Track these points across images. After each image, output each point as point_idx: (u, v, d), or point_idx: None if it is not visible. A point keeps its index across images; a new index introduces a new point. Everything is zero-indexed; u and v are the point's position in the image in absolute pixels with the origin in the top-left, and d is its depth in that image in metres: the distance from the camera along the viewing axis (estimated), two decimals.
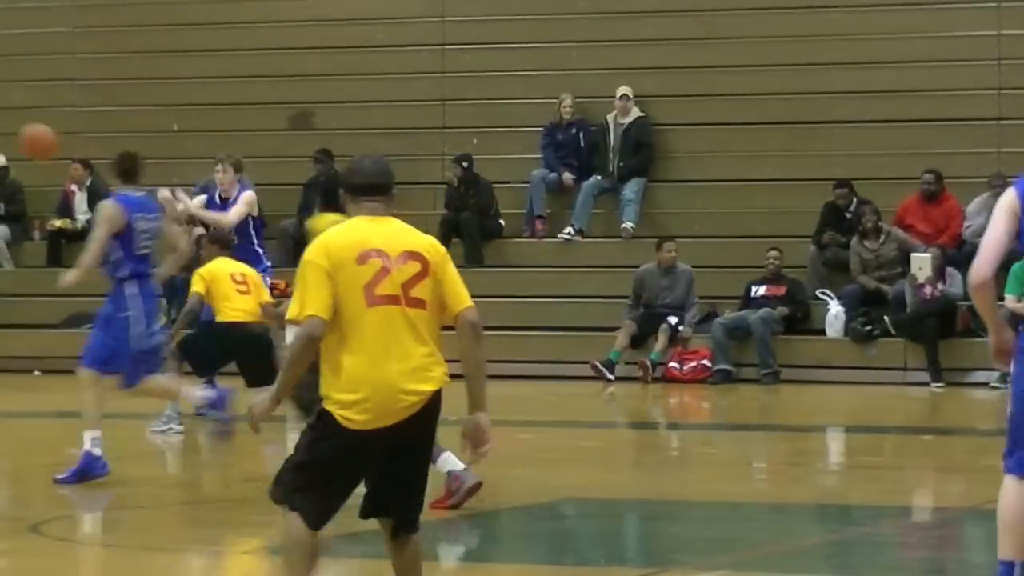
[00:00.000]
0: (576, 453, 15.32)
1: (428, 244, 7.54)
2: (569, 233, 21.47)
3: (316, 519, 7.31)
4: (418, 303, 7.34)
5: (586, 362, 19.73)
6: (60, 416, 16.74)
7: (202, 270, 15.15)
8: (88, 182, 23.29)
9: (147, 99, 25.12)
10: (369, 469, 7.39)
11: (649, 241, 21.07)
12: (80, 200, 23.51)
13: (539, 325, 21.21)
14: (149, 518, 12.55)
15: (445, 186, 22.49)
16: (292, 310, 7.31)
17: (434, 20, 24.29)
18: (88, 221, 22.49)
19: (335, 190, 22.50)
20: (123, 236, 11.43)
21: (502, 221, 22.18)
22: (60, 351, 19.83)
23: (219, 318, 15.25)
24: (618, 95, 22.17)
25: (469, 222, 21.74)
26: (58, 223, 23.27)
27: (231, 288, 15.19)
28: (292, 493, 7.30)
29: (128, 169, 11.71)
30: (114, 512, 13.23)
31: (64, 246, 22.75)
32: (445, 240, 20.75)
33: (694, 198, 22.89)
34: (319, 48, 24.41)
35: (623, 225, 21.56)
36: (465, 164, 21.87)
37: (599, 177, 21.79)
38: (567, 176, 21.92)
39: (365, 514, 7.47)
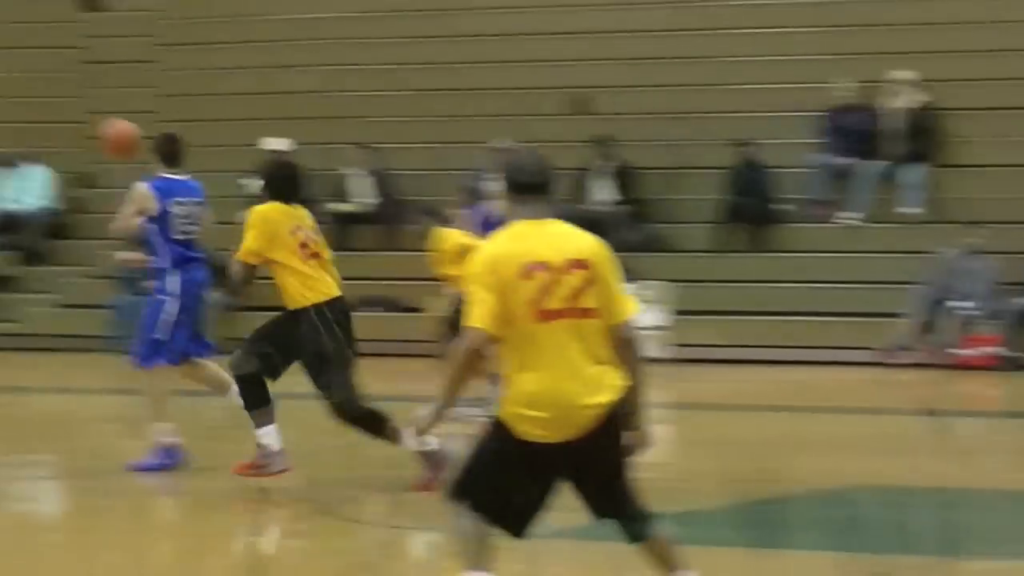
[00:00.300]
0: (862, 440, 15.22)
1: (593, 248, 7.40)
2: (850, 218, 21.45)
3: (500, 522, 7.32)
4: (587, 313, 7.24)
5: (870, 348, 19.64)
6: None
7: None
8: (367, 165, 23.73)
9: (426, 84, 25.24)
10: (549, 479, 7.34)
11: (933, 227, 20.93)
12: (357, 183, 24.07)
13: (821, 310, 21.03)
14: (430, 500, 12.11)
15: (726, 171, 22.39)
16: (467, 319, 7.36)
17: (715, 5, 24.38)
18: (365, 203, 23.72)
19: (625, 175, 22.92)
20: (158, 220, 11.51)
21: (784, 206, 22.18)
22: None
23: None
24: (899, 79, 22.09)
25: (750, 207, 21.80)
26: (334, 207, 23.61)
27: None
28: (465, 495, 7.30)
29: (169, 152, 11.64)
30: (397, 494, 13.24)
31: (349, 228, 23.01)
32: (726, 225, 21.44)
33: (978, 183, 22.69)
34: (599, 32, 24.42)
35: (905, 210, 21.52)
36: (746, 149, 22.01)
37: (880, 162, 21.74)
38: (848, 161, 21.90)
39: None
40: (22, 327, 23.21)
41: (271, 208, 11.62)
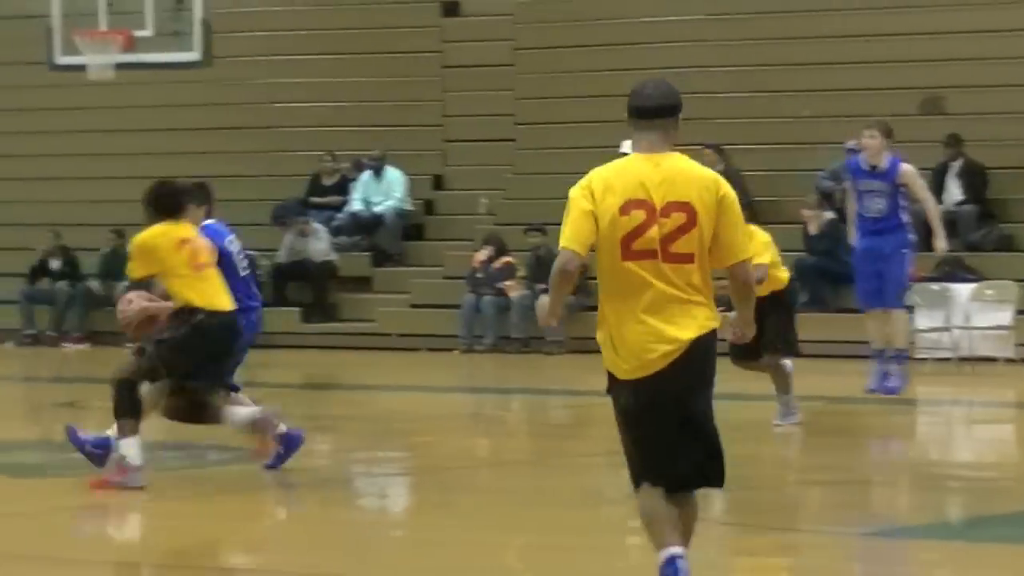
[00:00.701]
0: None
1: (702, 189, 7.19)
2: None
3: (656, 478, 7.23)
4: (681, 257, 7.15)
5: None
6: None
7: None
8: (720, 167, 22.66)
9: (778, 85, 25.10)
10: (660, 419, 7.20)
11: None
12: None
13: None
14: (764, 498, 12.46)
15: None
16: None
17: None
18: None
19: (974, 174, 22.17)
20: (222, 264, 11.36)
21: None
22: None
23: None
24: None
25: None
26: None
27: None
28: (631, 469, 7.28)
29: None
30: (737, 490, 12.86)
31: None
32: None
33: None
34: (951, 32, 24.20)
35: None
36: None
37: None
38: None
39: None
40: (376, 327, 23.65)
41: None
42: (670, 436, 7.23)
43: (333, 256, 25.17)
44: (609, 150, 23.23)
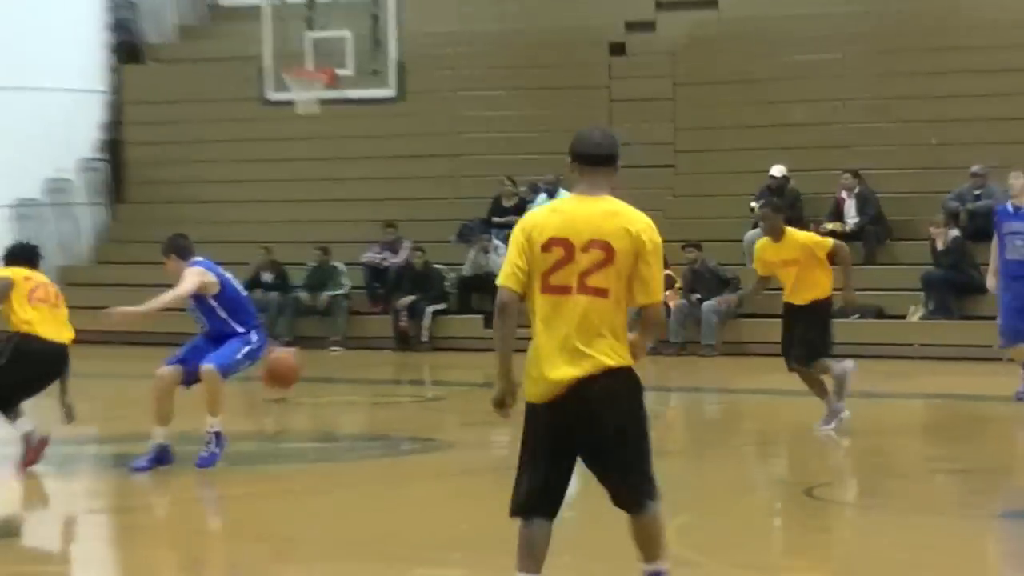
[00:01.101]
0: None
1: (626, 231, 7.05)
2: None
3: (520, 500, 7.11)
4: (597, 291, 7.00)
5: None
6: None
7: None
8: (856, 189, 23.42)
9: (911, 115, 25.17)
10: (557, 447, 7.08)
11: None
12: (849, 206, 23.66)
13: None
14: (906, 485, 12.86)
15: None
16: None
17: None
18: (856, 223, 23.33)
19: None
20: (218, 296, 11.79)
21: None
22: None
23: None
24: None
25: None
26: (829, 226, 23.05)
27: None
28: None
29: (181, 247, 11.84)
30: (875, 478, 13.65)
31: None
32: None
33: None
34: None
35: None
36: None
37: None
38: None
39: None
40: None
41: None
42: (565, 459, 7.18)
43: None
44: (758, 174, 24.38)
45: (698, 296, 24.42)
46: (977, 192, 23.70)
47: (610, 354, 7.01)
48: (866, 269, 23.53)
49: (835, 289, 14.52)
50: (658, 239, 7.07)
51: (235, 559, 10.81)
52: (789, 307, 14.68)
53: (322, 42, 24.19)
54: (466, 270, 25.49)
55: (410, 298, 25.05)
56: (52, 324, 11.92)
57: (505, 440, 14.31)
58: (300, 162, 28.58)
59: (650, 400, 9.42)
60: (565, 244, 7.03)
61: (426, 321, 25.42)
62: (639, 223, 7.07)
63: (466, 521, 11.46)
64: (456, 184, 27.72)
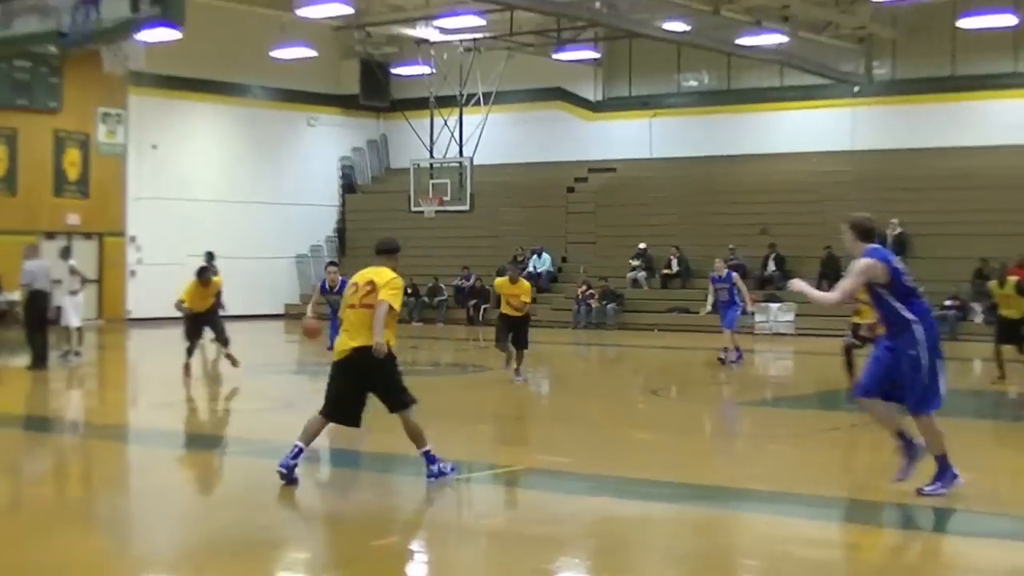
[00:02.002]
0: None
1: (379, 277, 8.49)
2: None
3: (328, 408, 8.63)
4: (367, 306, 8.43)
5: None
6: None
7: None
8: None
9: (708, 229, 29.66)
10: (356, 382, 8.52)
11: None
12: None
13: None
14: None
15: None
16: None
17: None
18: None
19: None
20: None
21: None
22: None
23: None
24: None
25: None
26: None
27: None
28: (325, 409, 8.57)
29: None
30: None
31: None
32: None
33: None
34: None
35: None
36: None
37: None
38: None
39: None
40: None
41: None
42: (353, 392, 8.57)
43: None
44: (631, 247, 28.55)
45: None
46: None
47: (374, 337, 8.29)
48: None
49: None
50: (392, 278, 8.52)
51: None
52: None
53: (437, 184, 29.86)
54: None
55: (473, 301, 31.37)
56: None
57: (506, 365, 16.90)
58: (428, 241, 32.33)
59: None
60: (357, 285, 8.62)
61: (481, 312, 30.91)
62: (389, 274, 8.48)
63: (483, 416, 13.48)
64: (496, 248, 32.49)
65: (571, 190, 34.18)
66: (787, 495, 8.47)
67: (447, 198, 29.65)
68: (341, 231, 36.34)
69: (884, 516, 8.41)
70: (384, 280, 8.51)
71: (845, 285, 8.57)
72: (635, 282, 30.75)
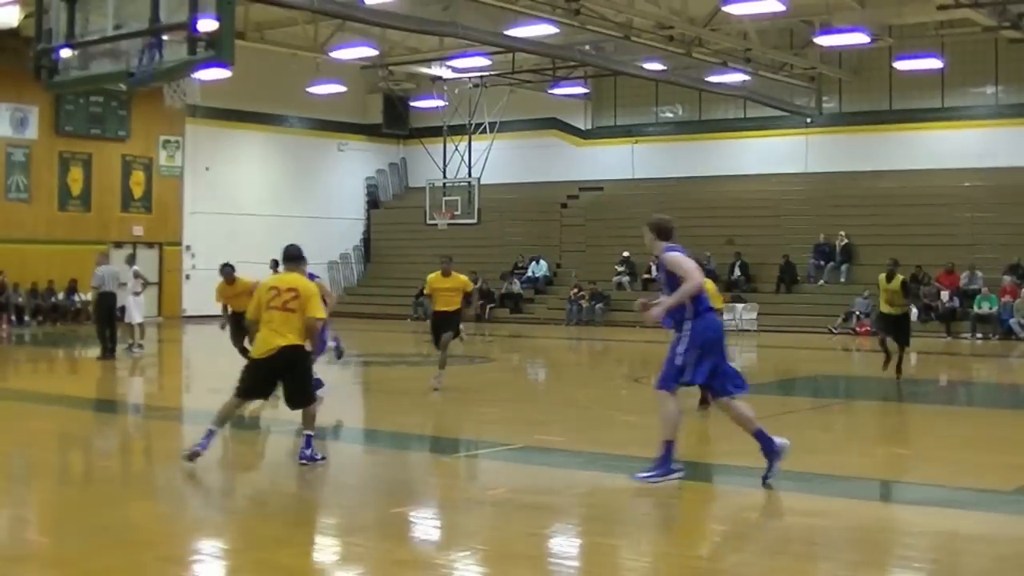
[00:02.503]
0: None
1: (304, 289, 8.14)
2: None
3: (243, 389, 8.35)
4: (290, 309, 8.13)
5: None
6: None
7: None
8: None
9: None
10: (269, 376, 8.24)
11: None
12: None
13: None
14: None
15: None
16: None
17: None
18: None
19: None
20: None
21: None
22: None
23: None
24: None
25: None
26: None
27: None
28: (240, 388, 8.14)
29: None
30: None
31: None
32: None
33: None
34: None
35: None
36: None
37: None
38: None
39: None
40: None
41: None
42: (268, 381, 8.37)
43: None
44: (614, 255, 27.49)
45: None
46: None
47: (296, 337, 8.11)
48: None
49: None
50: (310, 286, 8.23)
51: None
52: None
53: (449, 201, 30.48)
54: (504, 288, 30.57)
55: (480, 301, 29.43)
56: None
57: (508, 356, 17.79)
58: (441, 249, 25.72)
59: None
60: (278, 289, 8.27)
61: (487, 311, 30.46)
62: (305, 280, 8.21)
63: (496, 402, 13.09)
64: (500, 255, 32.52)
65: (564, 206, 34.09)
66: (751, 469, 8.30)
67: (458, 213, 30.01)
68: (367, 241, 36.41)
69: (833, 487, 8.38)
70: (309, 293, 8.27)
71: (689, 267, 7.81)
72: (620, 285, 30.73)
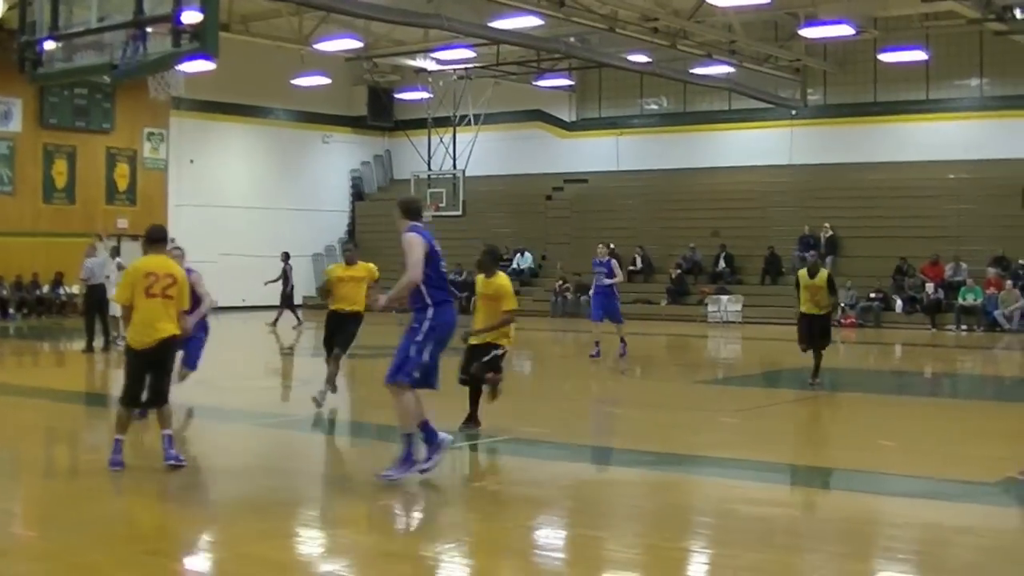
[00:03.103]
0: None
1: (175, 269, 7.97)
2: None
3: (128, 396, 8.01)
4: (168, 297, 7.93)
5: None
6: None
7: None
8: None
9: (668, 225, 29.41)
10: (144, 370, 7.94)
11: None
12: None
13: None
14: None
15: None
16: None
17: None
18: None
19: None
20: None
21: None
22: None
23: None
24: None
25: None
26: None
27: None
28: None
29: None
30: None
31: None
32: None
33: None
34: None
35: None
36: None
37: None
38: None
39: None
40: None
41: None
42: (143, 379, 8.02)
43: None
44: (590, 249, 21.12)
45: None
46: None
47: (174, 327, 7.88)
48: None
49: None
50: (184, 275, 7.98)
51: None
52: None
53: (434, 193, 30.23)
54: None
55: (464, 293, 26.61)
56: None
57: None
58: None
59: None
60: (155, 275, 7.96)
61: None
62: (178, 269, 7.96)
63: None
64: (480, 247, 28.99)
65: (549, 198, 34.01)
66: (735, 461, 8.50)
67: (443, 205, 29.78)
68: (351, 233, 35.86)
69: (818, 479, 8.47)
70: (184, 280, 8.18)
71: (413, 260, 7.62)
72: None
